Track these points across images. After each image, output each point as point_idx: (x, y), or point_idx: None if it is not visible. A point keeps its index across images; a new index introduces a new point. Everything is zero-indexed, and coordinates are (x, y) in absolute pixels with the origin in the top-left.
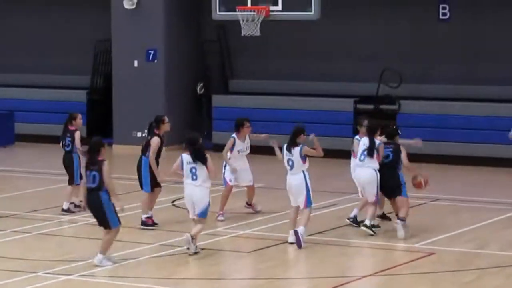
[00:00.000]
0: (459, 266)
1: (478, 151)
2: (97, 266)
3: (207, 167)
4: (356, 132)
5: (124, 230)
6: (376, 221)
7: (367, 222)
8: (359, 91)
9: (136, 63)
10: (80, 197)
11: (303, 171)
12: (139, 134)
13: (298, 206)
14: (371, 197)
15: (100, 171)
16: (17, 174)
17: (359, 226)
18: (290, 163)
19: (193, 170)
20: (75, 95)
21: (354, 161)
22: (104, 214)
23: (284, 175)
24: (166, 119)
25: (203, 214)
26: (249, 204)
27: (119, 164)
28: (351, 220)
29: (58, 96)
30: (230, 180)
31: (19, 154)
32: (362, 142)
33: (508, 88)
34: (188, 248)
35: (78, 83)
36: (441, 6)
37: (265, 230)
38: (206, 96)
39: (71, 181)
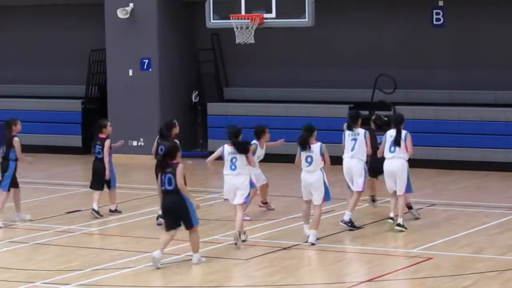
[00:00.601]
0: (457, 270)
1: (473, 155)
2: (194, 264)
3: (247, 157)
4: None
5: (121, 239)
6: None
7: (400, 221)
8: (353, 98)
9: (130, 72)
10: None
11: (320, 169)
12: (134, 143)
13: (310, 200)
14: (401, 189)
15: (174, 173)
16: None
17: (356, 228)
18: (309, 160)
19: (233, 160)
20: (70, 104)
21: (346, 155)
22: (187, 214)
23: (279, 183)
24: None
25: (246, 199)
26: (264, 203)
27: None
28: (349, 224)
29: (53, 106)
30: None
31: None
32: (389, 134)
33: (502, 93)
34: (235, 244)
35: (73, 93)
36: (434, 11)
37: (262, 237)
38: (201, 104)
39: (99, 187)
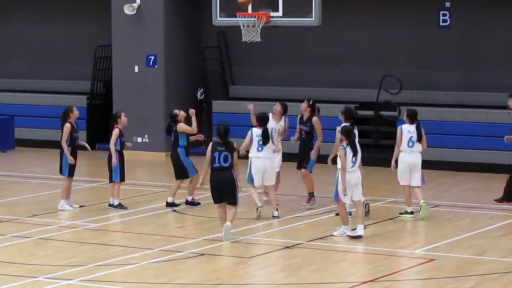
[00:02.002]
0: (459, 272)
1: (477, 157)
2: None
3: (273, 142)
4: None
5: (124, 236)
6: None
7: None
8: (359, 98)
9: (136, 69)
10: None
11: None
12: (139, 140)
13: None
14: (419, 181)
15: (232, 152)
16: (17, 179)
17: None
18: (354, 160)
19: (260, 142)
20: (76, 100)
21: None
22: (235, 191)
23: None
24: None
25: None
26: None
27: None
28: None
29: (59, 101)
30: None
31: (19, 159)
32: (406, 130)
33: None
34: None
35: (79, 89)
36: (441, 12)
37: (265, 236)
38: (207, 102)
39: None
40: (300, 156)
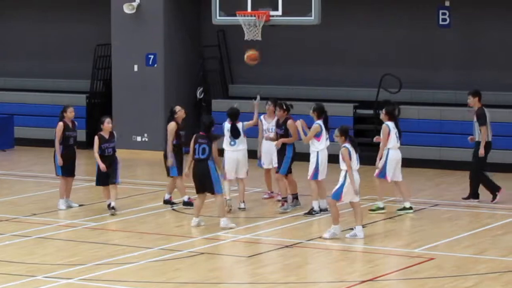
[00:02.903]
0: (459, 271)
1: None
2: (223, 228)
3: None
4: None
5: (123, 235)
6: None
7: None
8: (358, 97)
9: (136, 68)
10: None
11: None
12: (138, 139)
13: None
14: (400, 176)
15: (210, 144)
16: (17, 178)
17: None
18: (357, 157)
19: (230, 137)
20: (75, 99)
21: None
22: (211, 181)
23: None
24: (178, 108)
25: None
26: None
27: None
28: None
29: (58, 100)
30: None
31: (19, 158)
32: (392, 127)
33: (508, 94)
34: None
35: (78, 87)
36: (441, 11)
37: (265, 234)
38: (206, 100)
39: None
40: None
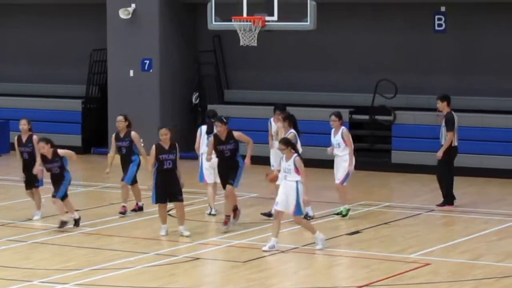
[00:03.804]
0: (454, 277)
1: (472, 161)
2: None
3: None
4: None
5: (119, 240)
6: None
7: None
8: (354, 102)
9: (131, 73)
10: None
11: None
12: None
13: None
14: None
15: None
16: (13, 183)
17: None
18: None
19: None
20: (71, 104)
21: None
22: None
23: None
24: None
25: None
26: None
27: (115, 173)
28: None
29: (54, 105)
30: None
31: (15, 163)
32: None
33: (503, 99)
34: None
35: (74, 93)
36: (436, 17)
37: (260, 240)
38: (202, 106)
39: None
40: (224, 173)
